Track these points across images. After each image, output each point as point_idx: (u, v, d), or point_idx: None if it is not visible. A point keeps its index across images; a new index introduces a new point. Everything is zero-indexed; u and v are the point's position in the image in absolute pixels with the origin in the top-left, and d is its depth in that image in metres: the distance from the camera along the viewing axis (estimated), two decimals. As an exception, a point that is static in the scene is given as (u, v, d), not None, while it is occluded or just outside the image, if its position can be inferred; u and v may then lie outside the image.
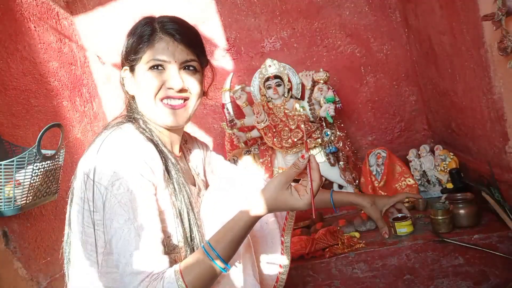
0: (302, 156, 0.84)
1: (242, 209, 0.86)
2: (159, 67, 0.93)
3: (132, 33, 0.97)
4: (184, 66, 0.95)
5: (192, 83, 0.96)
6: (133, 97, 1.00)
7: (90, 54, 2.26)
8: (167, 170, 0.91)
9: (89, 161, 0.86)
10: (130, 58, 0.95)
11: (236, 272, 0.97)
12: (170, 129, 0.99)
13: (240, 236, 0.85)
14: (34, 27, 1.81)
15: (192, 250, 0.92)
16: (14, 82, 1.58)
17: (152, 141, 0.92)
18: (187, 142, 1.19)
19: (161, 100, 0.94)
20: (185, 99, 0.96)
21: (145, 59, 0.93)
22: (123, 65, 0.99)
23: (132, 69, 0.97)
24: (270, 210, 0.86)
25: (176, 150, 1.07)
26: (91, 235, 0.87)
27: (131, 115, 0.99)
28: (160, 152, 0.92)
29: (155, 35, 0.94)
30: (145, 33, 0.94)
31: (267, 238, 1.12)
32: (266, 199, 0.84)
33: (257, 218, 0.86)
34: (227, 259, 0.84)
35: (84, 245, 0.89)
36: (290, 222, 1.13)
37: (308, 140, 1.89)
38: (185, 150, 1.15)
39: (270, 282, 1.12)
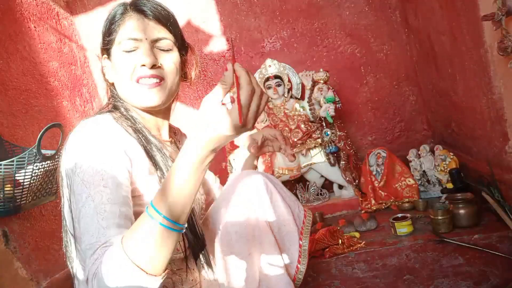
0: (226, 69, 0.71)
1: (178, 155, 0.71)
2: (132, 49, 0.91)
3: (107, 17, 0.95)
4: (157, 44, 0.93)
5: (165, 61, 0.93)
6: (113, 85, 0.98)
7: (90, 54, 2.26)
8: (150, 155, 0.89)
9: (63, 157, 0.86)
10: (105, 41, 0.95)
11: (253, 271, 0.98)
12: (151, 111, 0.98)
13: (185, 185, 0.69)
14: (34, 27, 1.81)
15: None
16: (14, 82, 1.58)
17: (134, 128, 0.91)
18: (176, 134, 1.18)
19: (137, 81, 0.92)
20: (161, 79, 0.93)
21: (118, 39, 0.92)
22: (102, 53, 0.98)
23: (108, 54, 0.96)
24: (203, 136, 0.68)
25: (165, 135, 1.05)
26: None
27: (113, 103, 0.97)
28: (143, 137, 0.90)
29: (126, 14, 0.93)
30: (117, 12, 0.93)
31: (285, 239, 1.12)
32: (197, 126, 0.69)
33: (195, 157, 0.68)
34: (176, 217, 0.69)
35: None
36: (307, 226, 1.15)
37: (308, 141, 1.89)
38: (175, 139, 1.14)
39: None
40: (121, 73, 0.92)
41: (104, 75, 1.00)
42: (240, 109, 0.65)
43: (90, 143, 0.82)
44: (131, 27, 0.91)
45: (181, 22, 2.25)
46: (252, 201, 1.04)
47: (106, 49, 0.95)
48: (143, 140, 0.90)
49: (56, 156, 1.37)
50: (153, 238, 0.67)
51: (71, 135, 0.85)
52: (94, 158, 0.80)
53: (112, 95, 1.00)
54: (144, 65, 0.90)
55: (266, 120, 1.91)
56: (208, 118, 0.67)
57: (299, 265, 1.13)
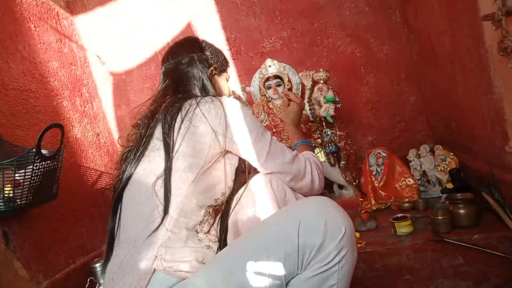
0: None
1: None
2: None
3: (223, 53, 1.36)
4: None
5: None
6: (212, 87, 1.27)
7: (90, 54, 2.26)
8: None
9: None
10: (223, 64, 1.33)
11: None
12: None
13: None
14: (34, 27, 1.81)
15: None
16: (14, 82, 1.58)
17: None
18: None
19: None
20: None
21: (227, 73, 1.37)
22: (210, 65, 1.28)
23: (220, 72, 1.31)
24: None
25: None
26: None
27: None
28: None
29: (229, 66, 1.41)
30: (228, 61, 1.39)
31: None
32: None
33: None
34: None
35: None
36: None
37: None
38: None
39: None
40: (225, 91, 1.34)
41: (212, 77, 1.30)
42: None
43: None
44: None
45: (181, 23, 2.26)
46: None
47: (218, 69, 1.31)
48: None
49: (56, 156, 1.37)
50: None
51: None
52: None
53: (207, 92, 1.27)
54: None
55: (266, 120, 1.91)
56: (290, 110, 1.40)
57: None
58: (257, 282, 0.83)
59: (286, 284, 0.86)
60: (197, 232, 1.02)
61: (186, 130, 1.02)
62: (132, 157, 1.07)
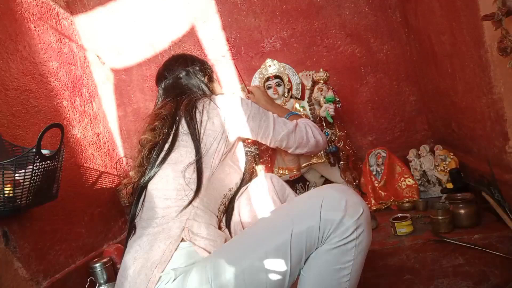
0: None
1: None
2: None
3: (206, 62, 1.48)
4: None
5: None
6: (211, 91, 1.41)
7: (90, 54, 2.26)
8: None
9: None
10: (211, 72, 1.45)
11: None
12: None
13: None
14: (34, 27, 1.81)
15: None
16: (14, 82, 1.58)
17: None
18: None
19: None
20: None
21: (216, 81, 1.50)
22: (204, 74, 1.42)
23: (211, 78, 1.45)
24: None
25: None
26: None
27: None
28: None
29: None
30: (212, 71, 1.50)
31: None
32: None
33: None
34: None
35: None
36: None
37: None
38: None
39: None
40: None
41: (210, 79, 1.45)
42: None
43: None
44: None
45: (182, 23, 2.26)
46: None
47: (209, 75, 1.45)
48: None
49: (56, 156, 1.37)
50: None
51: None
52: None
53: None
54: None
55: (266, 120, 1.91)
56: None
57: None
58: (282, 254, 0.91)
59: (306, 259, 0.94)
60: (216, 216, 1.17)
61: (206, 123, 1.17)
62: (155, 155, 1.17)
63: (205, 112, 1.19)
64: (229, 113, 1.21)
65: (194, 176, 1.11)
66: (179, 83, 1.36)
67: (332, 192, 0.96)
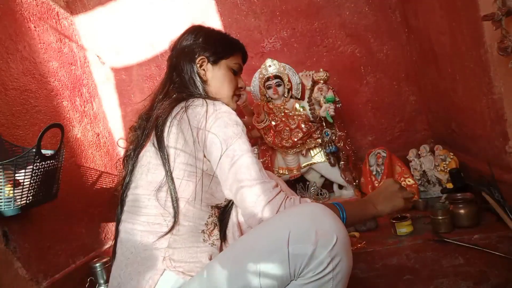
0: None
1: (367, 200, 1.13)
2: (236, 72, 1.22)
3: (225, 37, 1.24)
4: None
5: None
6: (204, 81, 1.17)
7: (90, 54, 2.26)
8: None
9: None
10: (219, 51, 1.17)
11: None
12: None
13: (355, 219, 1.08)
14: (34, 27, 1.81)
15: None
16: (14, 82, 1.58)
17: None
18: None
19: (233, 96, 1.21)
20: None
21: (232, 59, 1.20)
22: (199, 54, 1.16)
23: (215, 61, 1.17)
24: (379, 199, 1.12)
25: None
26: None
27: (208, 96, 1.14)
28: None
29: (242, 50, 1.28)
30: (238, 44, 1.27)
31: None
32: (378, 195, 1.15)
33: (371, 210, 1.09)
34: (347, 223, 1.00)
35: None
36: None
37: (308, 141, 1.89)
38: None
39: None
40: (228, 86, 1.19)
41: (202, 69, 1.17)
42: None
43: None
44: (241, 60, 1.27)
45: (182, 23, 2.26)
46: None
47: (216, 56, 1.17)
48: None
49: (56, 156, 1.37)
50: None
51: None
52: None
53: (204, 90, 1.16)
54: (241, 88, 1.27)
55: (267, 120, 1.91)
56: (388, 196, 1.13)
57: None
58: None
59: None
60: (203, 233, 1.05)
61: (176, 136, 0.99)
62: (131, 162, 1.08)
63: (176, 123, 1.00)
64: (198, 129, 0.98)
65: (169, 198, 0.98)
66: (172, 62, 1.19)
67: (299, 221, 0.84)
